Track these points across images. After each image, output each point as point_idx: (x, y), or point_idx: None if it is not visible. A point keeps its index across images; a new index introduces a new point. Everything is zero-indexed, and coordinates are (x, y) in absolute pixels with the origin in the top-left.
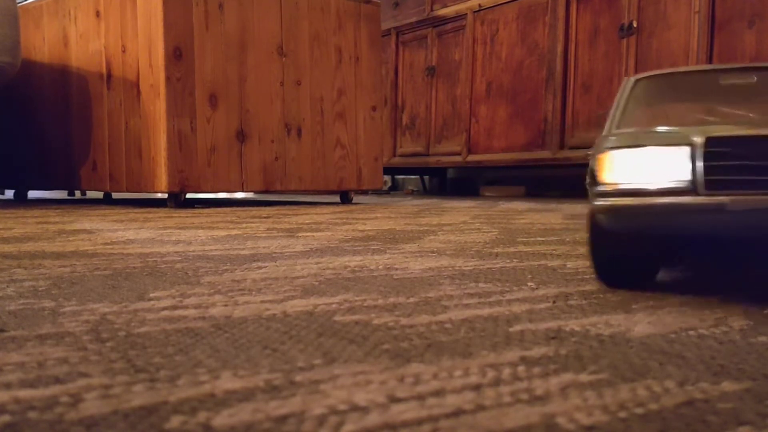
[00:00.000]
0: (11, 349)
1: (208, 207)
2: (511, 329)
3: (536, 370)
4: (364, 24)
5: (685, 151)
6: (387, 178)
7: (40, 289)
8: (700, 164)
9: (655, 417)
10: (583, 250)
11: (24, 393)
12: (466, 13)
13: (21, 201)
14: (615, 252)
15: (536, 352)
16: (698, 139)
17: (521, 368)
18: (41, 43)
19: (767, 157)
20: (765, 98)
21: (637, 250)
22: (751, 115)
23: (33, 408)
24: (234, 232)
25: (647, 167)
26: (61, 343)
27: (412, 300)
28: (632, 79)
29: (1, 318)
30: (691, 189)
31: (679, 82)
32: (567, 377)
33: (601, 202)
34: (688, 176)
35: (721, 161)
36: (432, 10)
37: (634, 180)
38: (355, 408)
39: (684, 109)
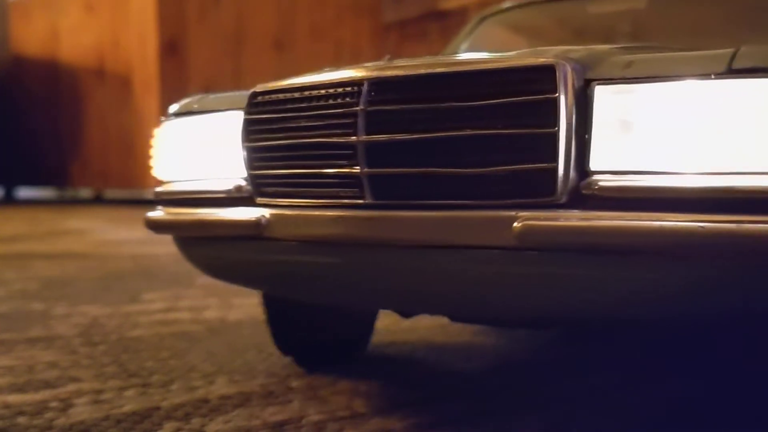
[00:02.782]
0: (0, 353)
1: None
2: None
3: None
4: (364, 17)
5: (234, 119)
6: None
7: (30, 290)
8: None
9: None
10: None
11: (13, 398)
12: (470, 8)
13: (9, 199)
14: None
15: None
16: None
17: None
18: (31, 37)
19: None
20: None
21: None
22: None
23: (22, 413)
24: None
25: (203, 149)
26: (51, 347)
27: None
28: (480, 16)
29: None
30: (237, 192)
31: (535, 16)
32: None
33: (152, 214)
34: (237, 167)
35: (263, 135)
36: (436, 4)
37: (192, 173)
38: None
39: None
